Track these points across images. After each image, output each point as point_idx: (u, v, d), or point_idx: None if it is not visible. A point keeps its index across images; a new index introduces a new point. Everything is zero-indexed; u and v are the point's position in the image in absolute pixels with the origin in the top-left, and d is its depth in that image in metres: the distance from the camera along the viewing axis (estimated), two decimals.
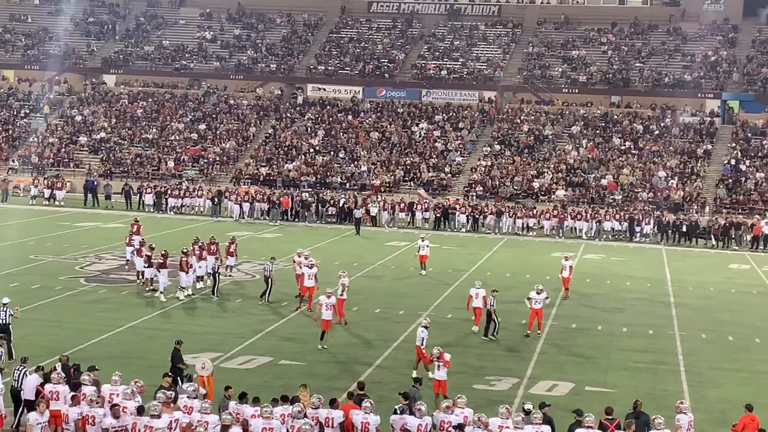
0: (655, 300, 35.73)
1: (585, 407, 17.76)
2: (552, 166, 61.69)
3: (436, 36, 75.57)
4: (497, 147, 64.21)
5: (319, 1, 79.18)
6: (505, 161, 62.64)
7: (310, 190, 58.51)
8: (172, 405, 16.64)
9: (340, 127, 67.71)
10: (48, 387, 18.16)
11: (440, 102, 69.77)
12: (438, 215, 53.85)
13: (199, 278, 33.53)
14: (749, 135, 63.67)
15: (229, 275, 35.94)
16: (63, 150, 66.63)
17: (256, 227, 51.28)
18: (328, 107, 70.40)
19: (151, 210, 55.61)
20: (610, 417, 17.12)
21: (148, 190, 56.84)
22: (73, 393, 17.67)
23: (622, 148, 63.32)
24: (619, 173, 60.19)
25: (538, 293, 29.08)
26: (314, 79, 72.94)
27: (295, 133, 67.25)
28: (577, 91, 69.15)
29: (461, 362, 25.16)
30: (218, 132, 68.08)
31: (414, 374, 22.49)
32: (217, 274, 32.89)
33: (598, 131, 65.61)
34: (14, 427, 18.92)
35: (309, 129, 67.71)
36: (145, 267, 33.33)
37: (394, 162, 62.82)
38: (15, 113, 71.39)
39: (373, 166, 62.16)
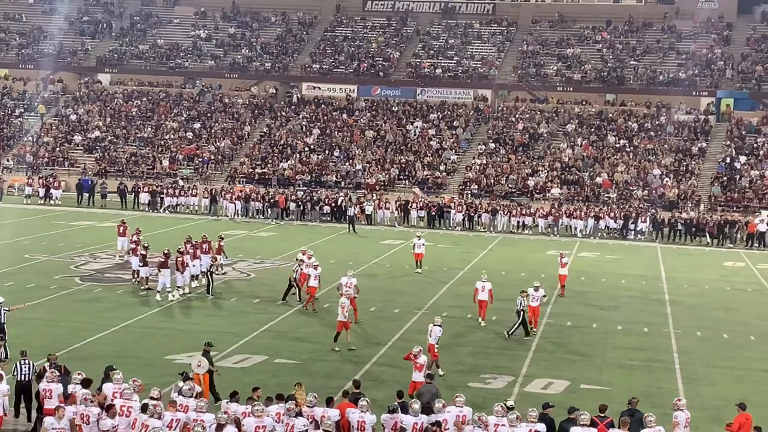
0: (650, 298, 35.77)
1: (580, 405, 17.77)
2: (547, 164, 61.75)
3: (431, 34, 75.58)
4: (492, 145, 64.24)
5: (314, 0, 79.16)
6: (500, 159, 62.67)
7: (305, 188, 58.50)
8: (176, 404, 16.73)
9: (335, 125, 67.70)
10: (41, 385, 18.21)
11: (435, 100, 69.79)
12: (434, 213, 53.84)
13: (194, 277, 33.49)
14: (744, 133, 63.77)
15: (221, 273, 35.88)
16: (58, 149, 66.56)
17: (251, 226, 51.26)
18: (322, 106, 70.38)
19: (146, 209, 55.57)
20: (603, 415, 17.14)
21: (143, 189, 56.79)
22: (68, 392, 17.69)
23: (617, 146, 63.39)
24: (613, 171, 60.26)
25: (535, 290, 29.12)
26: (309, 77, 72.92)
27: (290, 132, 67.24)
28: (571, 89, 69.19)
29: (456, 360, 25.21)
30: (213, 131, 68.04)
31: (438, 372, 23.06)
32: (211, 273, 32.90)
33: (592, 129, 65.67)
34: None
35: (304, 127, 67.69)
36: (140, 266, 33.30)
37: (389, 160, 62.83)
38: (9, 112, 71.31)
39: (368, 165, 62.17)
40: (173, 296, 31.70)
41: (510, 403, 17.55)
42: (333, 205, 54.60)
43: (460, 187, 59.76)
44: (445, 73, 71.21)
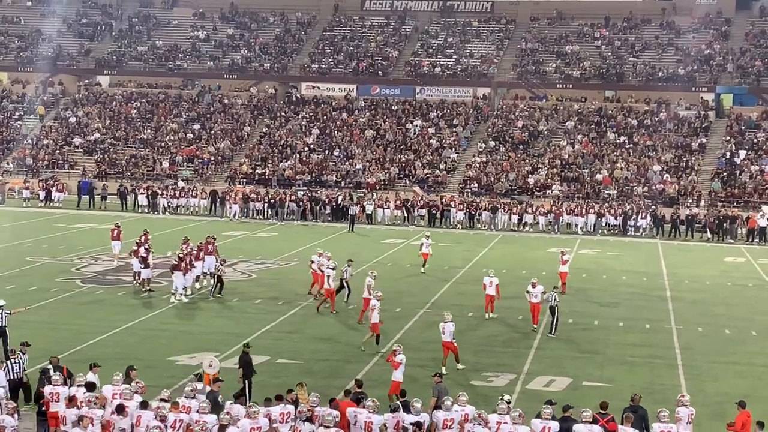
0: (651, 294, 35.76)
1: (583, 402, 17.81)
2: (547, 161, 61.76)
3: (430, 33, 75.57)
4: (492, 143, 64.24)
5: (312, 0, 79.15)
6: (500, 157, 62.67)
7: (305, 188, 58.51)
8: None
9: (334, 125, 67.71)
10: (48, 389, 18.11)
11: (434, 99, 69.78)
12: (434, 212, 53.87)
13: (196, 278, 33.47)
14: (743, 128, 63.76)
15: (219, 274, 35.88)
16: (57, 152, 66.57)
17: (252, 226, 51.26)
18: (322, 105, 70.38)
19: (146, 210, 55.58)
20: (604, 412, 17.15)
21: (143, 190, 56.79)
22: (71, 394, 17.68)
23: (617, 142, 63.39)
24: (613, 168, 60.25)
25: (533, 287, 29.16)
26: (308, 77, 72.93)
27: (289, 132, 67.24)
28: (571, 86, 69.18)
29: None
30: (213, 132, 68.05)
31: (443, 370, 23.07)
32: (219, 275, 32.77)
33: (592, 126, 65.66)
34: None
35: (303, 127, 67.70)
36: (141, 268, 33.28)
37: (388, 159, 62.84)
38: (9, 115, 71.30)
39: (368, 164, 62.17)
40: (176, 298, 31.68)
41: (507, 397, 17.60)
42: (334, 204, 54.64)
43: (461, 186, 59.77)
44: (444, 72, 71.22)
